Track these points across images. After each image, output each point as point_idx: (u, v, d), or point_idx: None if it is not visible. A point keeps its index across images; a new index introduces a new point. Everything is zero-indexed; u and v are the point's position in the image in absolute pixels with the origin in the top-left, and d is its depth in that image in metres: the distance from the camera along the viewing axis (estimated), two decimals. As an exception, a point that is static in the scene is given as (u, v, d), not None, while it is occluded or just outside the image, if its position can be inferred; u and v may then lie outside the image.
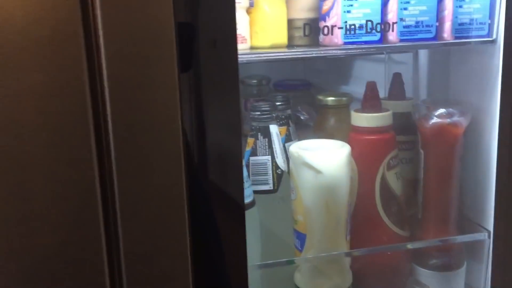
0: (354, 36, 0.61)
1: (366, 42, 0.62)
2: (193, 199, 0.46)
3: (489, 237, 0.68)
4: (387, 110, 0.71)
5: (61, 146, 0.41)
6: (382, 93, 0.80)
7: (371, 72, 0.95)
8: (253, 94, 0.94)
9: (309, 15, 0.66)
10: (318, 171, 0.63)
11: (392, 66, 0.92)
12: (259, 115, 0.69)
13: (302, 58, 0.91)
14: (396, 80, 0.79)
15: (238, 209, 0.50)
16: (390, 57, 0.92)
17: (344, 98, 0.78)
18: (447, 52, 0.77)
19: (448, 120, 0.67)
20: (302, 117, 0.87)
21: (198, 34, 0.45)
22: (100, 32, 0.40)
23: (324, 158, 0.63)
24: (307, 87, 1.03)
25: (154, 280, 0.46)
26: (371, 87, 0.71)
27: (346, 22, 0.61)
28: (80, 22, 0.40)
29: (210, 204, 0.49)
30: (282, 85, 1.01)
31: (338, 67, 1.05)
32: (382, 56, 0.92)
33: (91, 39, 0.40)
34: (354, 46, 0.62)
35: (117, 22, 0.41)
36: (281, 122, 0.77)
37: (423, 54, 0.86)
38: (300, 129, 0.84)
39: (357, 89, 0.80)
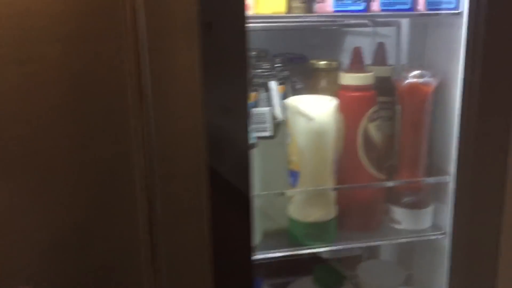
0: (343, 5, 0.73)
1: (352, 11, 0.74)
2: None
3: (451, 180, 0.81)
4: (369, 71, 0.83)
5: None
6: (369, 61, 0.93)
7: (359, 45, 1.07)
8: (252, 66, 1.05)
9: (306, -14, 0.78)
10: (310, 119, 0.76)
11: (378, 39, 1.04)
12: (261, 72, 0.81)
13: (297, 24, 1.02)
14: (380, 49, 0.92)
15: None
16: (376, 31, 1.05)
17: (334, 62, 0.90)
18: (424, 26, 0.90)
19: (420, 80, 0.80)
20: (297, 86, 1.00)
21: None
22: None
23: (315, 108, 0.76)
24: (302, 60, 1.15)
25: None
26: (357, 52, 0.83)
27: (337, -7, 0.73)
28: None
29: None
30: (280, 58, 1.12)
31: (330, 42, 1.17)
32: (369, 30, 1.05)
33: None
34: (342, 13, 0.74)
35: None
36: (279, 82, 0.89)
37: (404, 28, 0.99)
38: (296, 91, 0.97)
39: (347, 61, 0.93)
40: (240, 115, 0.61)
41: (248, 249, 0.65)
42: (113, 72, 0.52)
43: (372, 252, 1.12)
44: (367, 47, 1.05)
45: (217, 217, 0.60)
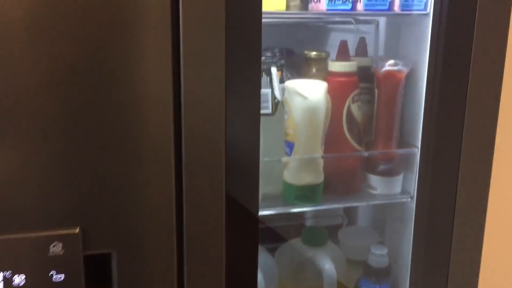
0: (334, 4, 0.90)
1: (342, 10, 0.91)
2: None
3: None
4: (353, 60, 1.00)
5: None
6: (352, 53, 1.09)
7: (338, 39, 1.24)
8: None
9: (303, -13, 0.94)
10: (305, 97, 0.92)
11: (360, 35, 1.21)
12: (264, 59, 0.97)
13: (293, 20, 1.17)
14: (361, 42, 1.09)
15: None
16: (358, 28, 1.21)
17: (323, 53, 1.06)
18: (398, 24, 1.07)
19: (394, 68, 0.96)
20: (288, 77, 1.16)
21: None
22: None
23: (310, 88, 0.92)
24: (291, 54, 1.30)
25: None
26: (343, 44, 1.00)
27: (329, -6, 0.90)
28: None
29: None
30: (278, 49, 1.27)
31: (316, 37, 1.33)
32: (352, 27, 1.21)
33: None
34: (333, 12, 0.90)
35: None
36: (277, 68, 1.05)
37: (382, 26, 1.16)
38: (290, 76, 1.12)
39: (333, 55, 1.09)
40: (253, 100, 0.75)
41: (255, 207, 0.79)
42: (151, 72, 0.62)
43: (350, 220, 1.29)
44: (351, 41, 1.21)
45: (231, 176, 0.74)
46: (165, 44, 0.62)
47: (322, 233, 1.10)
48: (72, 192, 0.63)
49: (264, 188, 0.99)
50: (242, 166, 0.78)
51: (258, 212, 0.80)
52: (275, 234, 1.20)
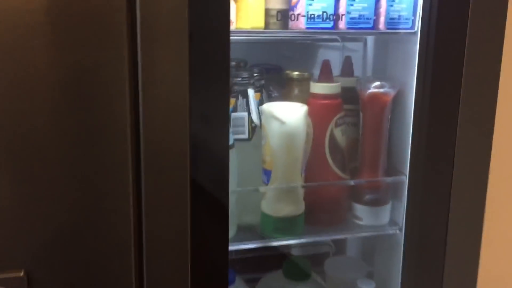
0: (313, 23, 0.83)
1: (322, 28, 0.84)
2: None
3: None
4: (336, 81, 0.93)
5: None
6: (337, 72, 1.03)
7: (330, 58, 1.17)
8: (232, 74, 1.13)
9: (281, 6, 0.87)
10: (282, 122, 0.85)
11: (346, 53, 1.14)
12: (240, 80, 0.90)
13: (274, 38, 1.12)
14: (347, 62, 1.02)
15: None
16: (345, 45, 1.15)
17: (306, 73, 1.00)
18: (386, 42, 1.00)
19: (380, 90, 0.90)
20: (273, 95, 1.09)
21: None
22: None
23: (287, 113, 0.85)
24: (278, 71, 1.24)
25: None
26: (326, 64, 0.93)
27: (308, 12, 0.83)
28: None
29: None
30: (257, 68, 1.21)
31: (303, 55, 1.27)
32: (339, 44, 1.15)
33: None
34: (313, 30, 0.84)
35: None
36: (256, 89, 0.98)
37: (370, 44, 1.09)
38: (272, 99, 1.06)
39: (318, 72, 1.02)
40: (221, 120, 0.69)
41: (225, 240, 0.73)
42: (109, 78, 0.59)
43: (338, 249, 1.21)
44: (337, 59, 1.15)
45: (197, 210, 0.68)
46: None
47: (305, 266, 1.02)
48: (16, 233, 0.59)
49: (241, 218, 0.92)
50: (210, 198, 0.71)
51: (227, 248, 0.73)
52: (254, 264, 1.12)
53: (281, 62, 1.31)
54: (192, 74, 0.62)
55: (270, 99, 1.03)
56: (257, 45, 1.26)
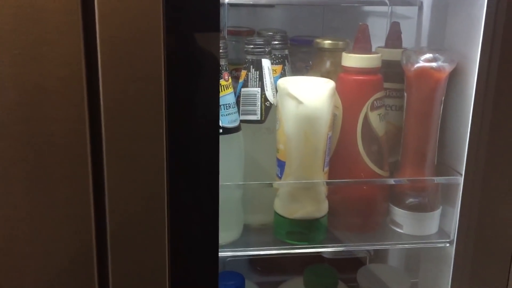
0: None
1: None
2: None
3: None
4: (376, 53, 0.73)
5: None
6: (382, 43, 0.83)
7: (377, 27, 0.97)
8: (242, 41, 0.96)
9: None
10: (299, 102, 0.67)
11: (401, 20, 0.94)
12: (252, 48, 0.73)
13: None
14: (393, 29, 0.82)
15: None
16: (394, 12, 0.94)
17: (340, 42, 0.81)
18: (446, 6, 0.79)
19: (432, 64, 0.69)
20: (302, 67, 0.92)
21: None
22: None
23: (306, 90, 0.67)
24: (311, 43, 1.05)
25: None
26: (363, 29, 0.73)
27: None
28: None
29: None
30: (298, 40, 1.03)
31: (350, 25, 1.07)
32: (387, 10, 0.94)
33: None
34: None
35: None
36: (277, 61, 0.80)
37: (426, 9, 0.88)
38: (298, 71, 0.88)
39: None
40: (210, 97, 0.54)
41: (213, 245, 0.58)
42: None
43: (377, 256, 1.02)
44: (384, 30, 0.94)
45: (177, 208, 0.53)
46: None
47: (330, 276, 0.85)
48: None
49: (252, 218, 0.76)
50: (194, 193, 0.56)
51: (217, 254, 0.58)
52: (272, 267, 0.96)
53: (327, 34, 1.12)
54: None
55: (296, 73, 0.85)
56: (297, 18, 1.11)
